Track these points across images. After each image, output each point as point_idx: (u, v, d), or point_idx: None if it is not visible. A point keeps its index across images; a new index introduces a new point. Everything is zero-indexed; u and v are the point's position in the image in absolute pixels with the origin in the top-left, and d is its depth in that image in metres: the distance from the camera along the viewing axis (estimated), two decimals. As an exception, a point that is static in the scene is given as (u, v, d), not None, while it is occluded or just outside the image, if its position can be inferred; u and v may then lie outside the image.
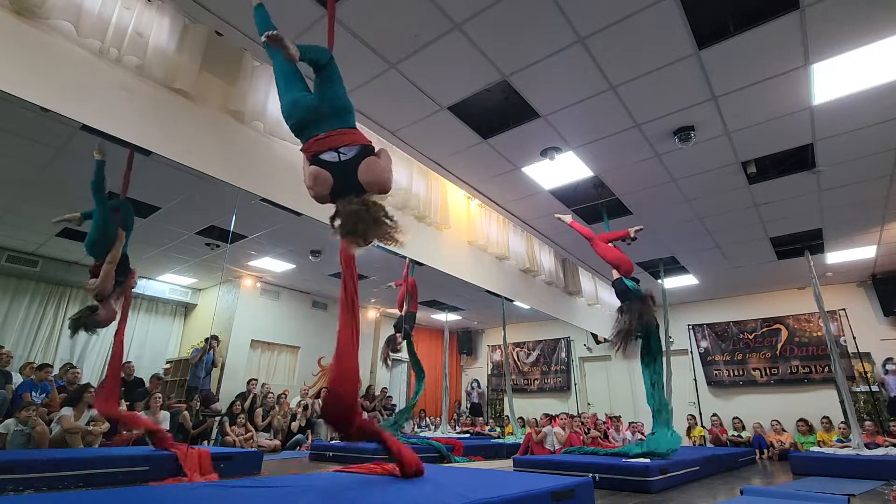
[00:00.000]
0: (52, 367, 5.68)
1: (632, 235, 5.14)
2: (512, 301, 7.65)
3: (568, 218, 5.61)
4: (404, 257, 5.80)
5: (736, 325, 9.48)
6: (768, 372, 8.92)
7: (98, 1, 2.88)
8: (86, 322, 3.73)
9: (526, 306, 7.82)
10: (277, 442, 7.10)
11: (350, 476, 2.88)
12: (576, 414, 9.16)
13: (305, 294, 9.47)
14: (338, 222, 2.22)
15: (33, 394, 5.10)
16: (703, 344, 9.74)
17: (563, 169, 5.08)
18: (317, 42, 2.69)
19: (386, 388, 9.90)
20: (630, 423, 8.69)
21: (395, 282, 7.31)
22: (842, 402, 7.14)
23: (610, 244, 5.33)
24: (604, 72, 3.66)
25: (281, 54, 2.40)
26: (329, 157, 2.38)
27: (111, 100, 2.93)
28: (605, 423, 8.47)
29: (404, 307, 6.89)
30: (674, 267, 7.95)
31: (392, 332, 6.97)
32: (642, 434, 8.25)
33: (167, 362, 8.27)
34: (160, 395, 5.82)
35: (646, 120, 4.24)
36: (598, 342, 10.36)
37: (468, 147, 4.73)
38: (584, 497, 2.69)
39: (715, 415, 8.76)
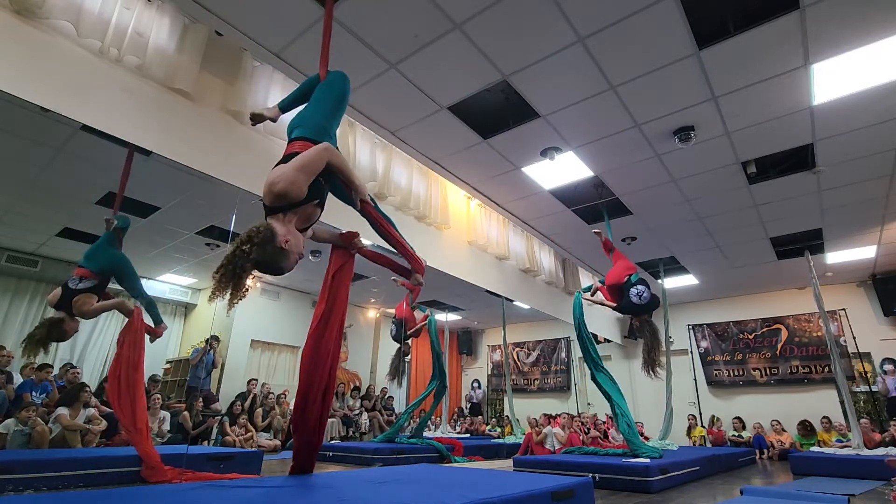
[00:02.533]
0: (52, 367, 5.68)
1: (602, 239, 5.52)
2: (512, 301, 7.64)
3: (599, 296, 5.71)
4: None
5: (736, 325, 9.48)
6: (768, 372, 8.92)
7: (98, 1, 2.89)
8: (54, 336, 3.57)
9: (526, 306, 7.82)
10: (277, 442, 7.10)
11: (349, 475, 2.88)
12: (576, 414, 9.16)
13: (305, 294, 9.47)
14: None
15: (33, 394, 5.10)
16: (703, 344, 9.74)
17: (563, 169, 5.07)
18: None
19: (386, 388, 9.90)
20: (630, 423, 8.68)
21: (401, 281, 7.22)
22: (842, 402, 7.14)
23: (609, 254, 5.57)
24: (604, 72, 3.66)
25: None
26: None
27: (111, 100, 2.93)
28: (604, 423, 8.46)
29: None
30: (674, 267, 7.95)
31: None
32: (643, 434, 8.25)
33: (167, 362, 8.27)
34: (159, 395, 5.82)
35: (646, 120, 4.24)
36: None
37: (468, 147, 4.73)
38: (584, 497, 2.68)
39: (718, 419, 8.76)
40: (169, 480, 3.25)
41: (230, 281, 1.92)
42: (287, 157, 2.20)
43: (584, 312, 5.46)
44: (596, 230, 5.61)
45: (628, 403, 9.61)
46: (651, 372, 4.94)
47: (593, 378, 5.19)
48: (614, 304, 5.31)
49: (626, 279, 5.09)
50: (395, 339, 7.29)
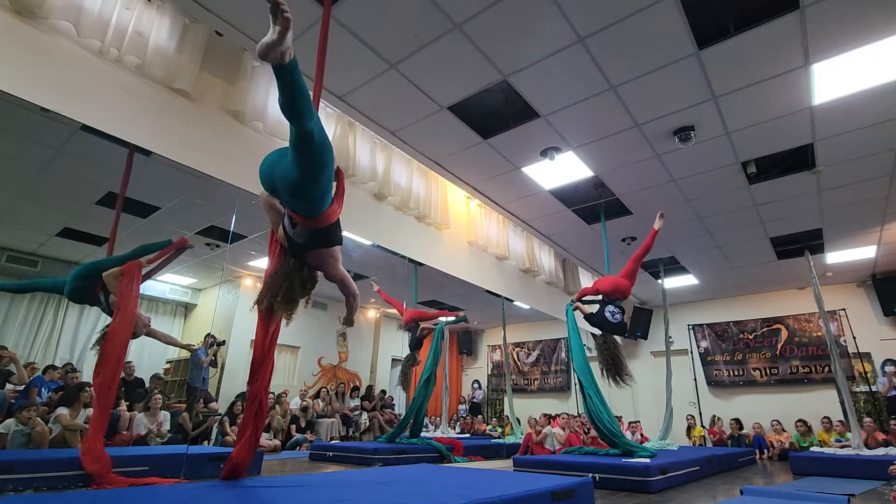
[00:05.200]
0: (57, 367, 5.74)
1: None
2: (512, 301, 7.64)
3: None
4: (404, 257, 5.79)
5: (736, 325, 9.48)
6: (768, 372, 8.92)
7: (98, 1, 2.89)
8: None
9: (526, 306, 7.82)
10: (277, 442, 7.10)
11: (349, 475, 2.88)
12: (576, 414, 9.16)
13: (305, 294, 9.47)
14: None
15: (42, 390, 5.15)
16: (703, 344, 9.74)
17: (563, 169, 5.07)
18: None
19: (385, 388, 9.91)
20: (630, 423, 8.69)
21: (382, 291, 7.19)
22: (842, 402, 7.13)
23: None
24: (604, 72, 3.66)
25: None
26: (287, 223, 2.30)
27: (111, 100, 2.93)
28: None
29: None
30: (674, 267, 7.95)
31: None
32: (642, 434, 8.26)
33: (167, 362, 8.27)
34: (160, 395, 5.82)
35: (646, 120, 4.24)
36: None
37: (468, 147, 4.73)
38: (584, 497, 2.69)
39: (719, 419, 8.76)
40: (98, 472, 3.08)
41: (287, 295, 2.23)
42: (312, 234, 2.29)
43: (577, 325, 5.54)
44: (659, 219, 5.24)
45: (628, 403, 9.72)
46: (617, 382, 5.01)
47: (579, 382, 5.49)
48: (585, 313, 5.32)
49: (613, 298, 5.17)
50: (412, 346, 6.88)
